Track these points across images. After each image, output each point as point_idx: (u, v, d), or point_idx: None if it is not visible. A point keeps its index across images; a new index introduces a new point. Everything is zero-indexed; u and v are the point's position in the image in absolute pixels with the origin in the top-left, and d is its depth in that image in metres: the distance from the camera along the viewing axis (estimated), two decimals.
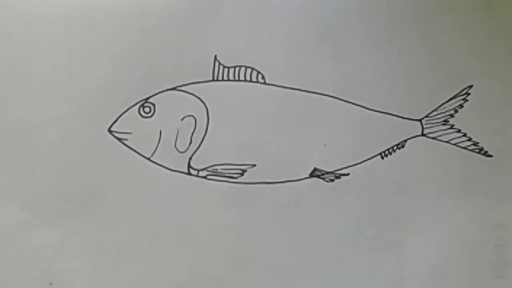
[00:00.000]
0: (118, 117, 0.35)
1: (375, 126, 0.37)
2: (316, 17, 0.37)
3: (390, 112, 0.37)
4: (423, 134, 0.37)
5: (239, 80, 0.36)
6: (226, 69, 0.36)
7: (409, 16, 0.37)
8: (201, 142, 0.35)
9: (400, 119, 0.37)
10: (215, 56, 0.36)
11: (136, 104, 0.35)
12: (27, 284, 0.34)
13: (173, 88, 0.36)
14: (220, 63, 0.36)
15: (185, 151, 0.35)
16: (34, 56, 0.35)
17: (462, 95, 0.37)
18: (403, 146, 0.37)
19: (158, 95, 0.35)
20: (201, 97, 0.36)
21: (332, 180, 0.36)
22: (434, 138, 0.37)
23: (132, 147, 0.35)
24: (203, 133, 0.35)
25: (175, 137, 0.35)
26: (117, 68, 0.35)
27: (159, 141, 0.35)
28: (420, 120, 0.37)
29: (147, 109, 0.35)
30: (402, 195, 0.36)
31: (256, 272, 0.35)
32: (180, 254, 0.34)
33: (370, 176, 0.36)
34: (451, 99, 0.37)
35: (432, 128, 0.37)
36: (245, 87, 0.36)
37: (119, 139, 0.35)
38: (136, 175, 0.35)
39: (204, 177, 0.35)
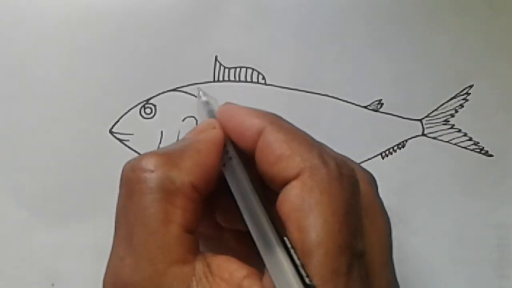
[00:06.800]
0: (119, 118, 0.35)
1: (375, 126, 0.37)
2: (317, 17, 0.37)
3: (390, 112, 0.37)
4: (423, 134, 0.37)
5: (239, 81, 0.36)
6: (226, 70, 0.36)
7: (409, 16, 0.37)
8: None
9: (400, 119, 0.37)
10: (216, 57, 0.36)
11: (137, 105, 0.35)
12: (29, 285, 0.34)
13: (174, 89, 0.36)
14: (220, 64, 0.36)
15: None
16: (35, 56, 0.35)
17: (463, 95, 0.37)
18: (403, 146, 0.37)
19: (159, 96, 0.36)
20: None
21: None
22: (434, 138, 0.37)
23: (134, 148, 0.35)
24: None
25: (176, 138, 0.35)
26: (118, 69, 0.36)
27: (160, 142, 0.35)
28: (420, 120, 0.37)
29: (148, 110, 0.35)
30: (402, 194, 0.36)
31: None
32: None
33: None
34: (451, 99, 0.37)
35: (432, 128, 0.37)
36: (246, 87, 0.36)
37: (121, 140, 0.35)
38: None
39: None
